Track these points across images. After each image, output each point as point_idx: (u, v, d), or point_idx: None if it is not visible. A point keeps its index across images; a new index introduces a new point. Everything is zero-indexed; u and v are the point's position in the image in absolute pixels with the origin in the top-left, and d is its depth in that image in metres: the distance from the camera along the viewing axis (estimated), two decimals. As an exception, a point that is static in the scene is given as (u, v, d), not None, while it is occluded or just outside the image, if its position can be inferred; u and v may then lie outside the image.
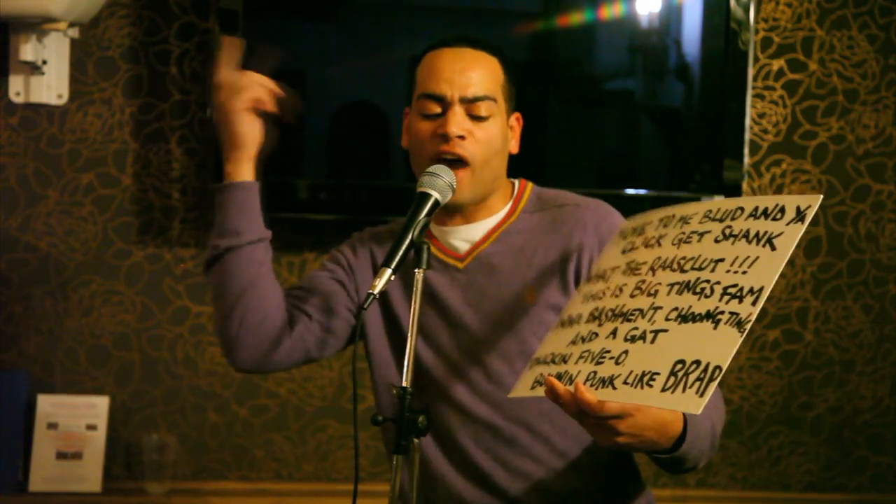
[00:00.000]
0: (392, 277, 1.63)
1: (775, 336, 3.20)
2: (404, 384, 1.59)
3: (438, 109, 1.83)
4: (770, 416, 3.22)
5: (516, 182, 1.97)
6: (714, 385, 1.37)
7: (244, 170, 1.87)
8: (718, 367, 1.38)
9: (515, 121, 1.93)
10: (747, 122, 3.00)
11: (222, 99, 1.85)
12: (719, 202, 1.60)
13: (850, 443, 3.24)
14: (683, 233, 1.61)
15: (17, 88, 2.97)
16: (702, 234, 1.58)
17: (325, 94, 3.00)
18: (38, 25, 2.81)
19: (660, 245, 1.64)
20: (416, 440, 1.58)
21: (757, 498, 3.20)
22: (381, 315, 1.95)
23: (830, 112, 3.16)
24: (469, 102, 1.82)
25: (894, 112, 3.17)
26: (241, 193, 1.87)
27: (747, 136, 3.01)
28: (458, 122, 1.81)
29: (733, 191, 3.00)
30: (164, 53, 3.01)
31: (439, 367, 1.88)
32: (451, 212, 1.89)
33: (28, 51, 2.86)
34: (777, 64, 3.14)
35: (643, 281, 1.60)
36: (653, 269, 1.60)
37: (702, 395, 1.37)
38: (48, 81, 2.96)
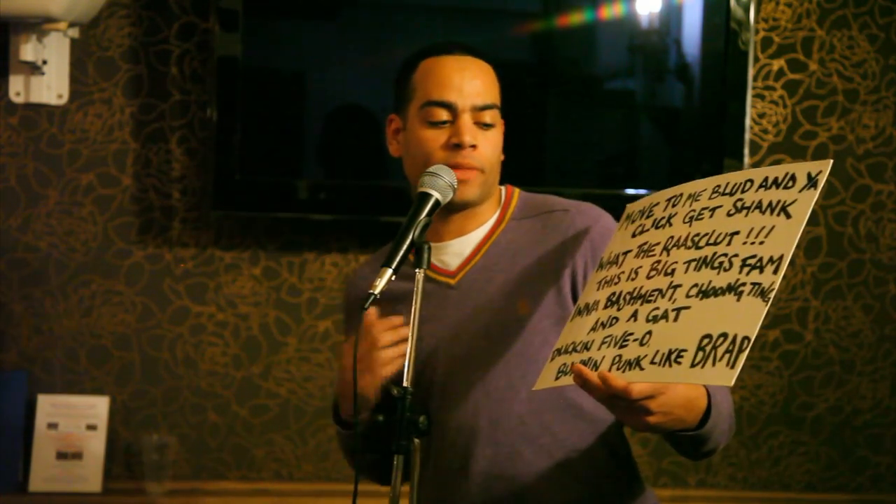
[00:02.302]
0: (393, 277, 1.63)
1: (775, 336, 3.20)
2: (405, 384, 1.59)
3: (446, 117, 1.82)
4: (770, 416, 3.22)
5: (503, 188, 1.96)
6: (744, 356, 1.37)
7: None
8: (747, 338, 1.38)
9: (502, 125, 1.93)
10: (747, 122, 3.00)
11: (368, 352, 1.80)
12: (727, 176, 1.59)
13: (850, 443, 3.24)
14: (694, 210, 1.60)
15: (17, 88, 2.97)
16: (713, 210, 1.57)
17: (325, 95, 3.00)
18: (38, 25, 2.81)
19: (670, 224, 1.62)
20: (416, 440, 1.58)
21: (757, 498, 3.20)
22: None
23: (830, 112, 3.16)
24: (478, 111, 1.82)
25: (894, 112, 3.18)
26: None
27: (747, 136, 3.01)
28: (470, 131, 1.81)
29: (733, 191, 3.00)
30: (164, 53, 3.01)
31: (437, 385, 1.87)
32: (449, 218, 1.88)
33: (28, 51, 2.86)
34: (777, 64, 3.14)
35: (658, 261, 1.59)
36: (667, 249, 1.60)
37: (733, 367, 1.37)
38: (48, 81, 2.96)
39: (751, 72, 3.01)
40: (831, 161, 1.47)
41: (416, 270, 1.66)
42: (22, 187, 3.02)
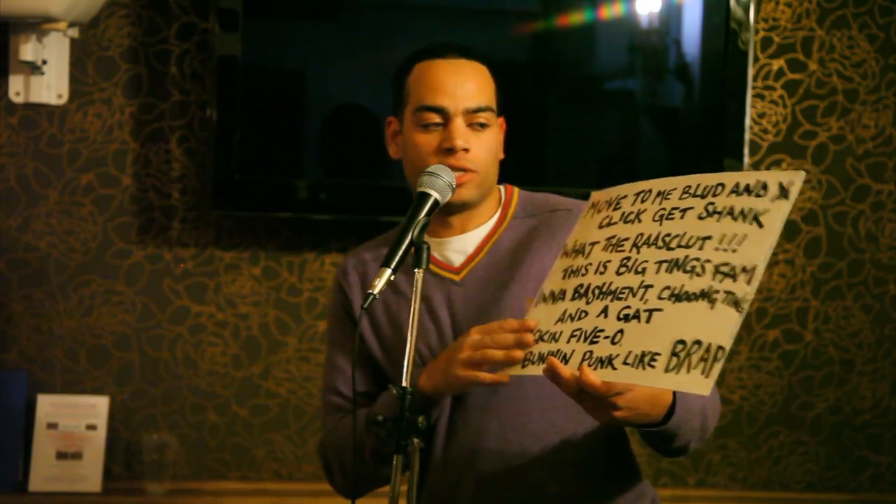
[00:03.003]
0: (392, 277, 1.63)
1: (775, 336, 3.20)
2: (404, 384, 1.59)
3: (439, 120, 1.83)
4: (770, 416, 3.22)
5: (502, 188, 1.97)
6: (719, 366, 1.39)
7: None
8: (721, 348, 1.39)
9: (500, 125, 1.93)
10: (747, 122, 3.00)
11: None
12: (698, 177, 1.59)
13: (850, 443, 3.24)
14: (664, 209, 1.60)
15: (17, 88, 2.97)
16: (684, 211, 1.57)
17: (324, 94, 3.00)
18: (38, 25, 2.81)
19: (640, 221, 1.63)
20: (416, 440, 1.59)
21: (757, 498, 3.20)
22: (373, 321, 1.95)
23: (830, 112, 3.16)
24: (470, 114, 1.83)
25: (894, 112, 3.18)
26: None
27: (747, 136, 3.01)
28: (462, 135, 1.82)
29: (733, 191, 3.00)
30: (164, 53, 3.01)
31: None
32: (448, 218, 1.89)
33: (28, 51, 2.86)
34: (777, 64, 3.14)
35: (628, 258, 1.60)
36: (636, 246, 1.60)
37: (708, 376, 1.38)
38: (48, 81, 2.97)
39: (750, 72, 3.01)
40: (803, 173, 1.48)
41: (416, 270, 1.67)
42: (22, 187, 3.02)
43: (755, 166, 3.13)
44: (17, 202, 3.01)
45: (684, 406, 1.64)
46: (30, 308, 3.03)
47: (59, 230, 3.03)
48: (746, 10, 2.98)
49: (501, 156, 1.92)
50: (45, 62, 2.93)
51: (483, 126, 1.84)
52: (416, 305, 1.64)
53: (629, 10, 3.00)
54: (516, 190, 1.97)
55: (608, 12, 2.99)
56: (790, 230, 3.16)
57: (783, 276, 3.17)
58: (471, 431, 1.85)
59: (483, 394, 1.85)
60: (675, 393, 1.62)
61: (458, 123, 1.82)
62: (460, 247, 1.90)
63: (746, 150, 3.01)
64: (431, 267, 1.89)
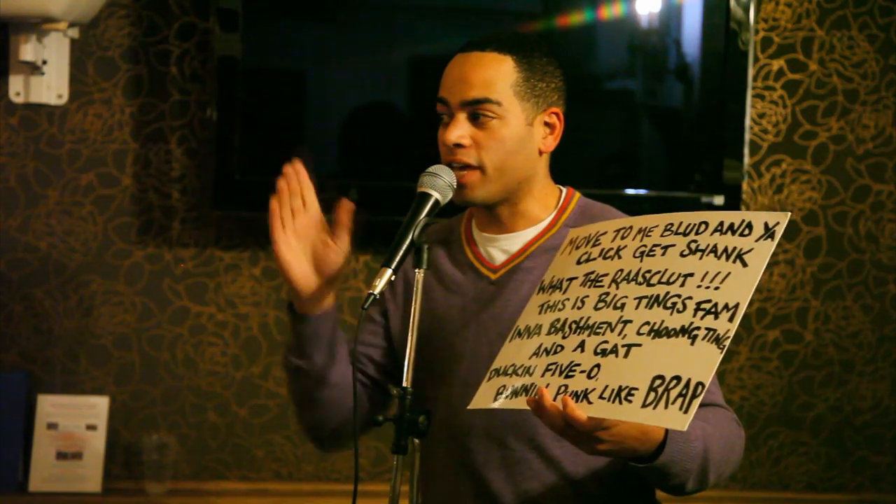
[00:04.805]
0: (392, 277, 1.63)
1: (775, 336, 3.20)
2: (404, 384, 1.59)
3: (447, 112, 1.82)
4: (770, 416, 3.22)
5: (563, 190, 1.92)
6: (698, 402, 1.37)
7: (304, 305, 1.81)
8: (701, 384, 1.38)
9: (551, 117, 1.88)
10: (747, 122, 3.00)
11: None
12: (680, 215, 1.58)
13: (850, 443, 3.24)
14: (645, 245, 1.59)
15: (17, 88, 2.97)
16: (665, 248, 1.56)
17: (324, 95, 3.00)
18: (38, 25, 2.82)
19: (620, 257, 1.61)
20: (416, 440, 1.58)
21: (757, 498, 3.20)
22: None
23: (830, 112, 3.16)
24: (469, 106, 1.79)
25: (894, 112, 3.18)
26: (303, 326, 1.81)
27: (747, 136, 3.01)
28: (457, 129, 1.78)
29: (733, 191, 3.01)
30: (164, 53, 3.01)
31: (456, 379, 1.84)
32: (493, 215, 1.86)
33: (28, 51, 2.86)
34: (777, 64, 3.14)
35: (607, 293, 1.58)
36: (616, 282, 1.58)
37: (686, 412, 1.37)
38: (48, 81, 2.97)
39: (750, 72, 3.01)
40: (789, 213, 1.47)
41: (416, 270, 1.66)
42: (22, 187, 3.02)
43: (755, 166, 3.13)
44: (17, 202, 3.01)
45: (679, 447, 1.58)
46: (30, 308, 3.03)
47: (59, 230, 3.03)
48: (746, 10, 2.98)
49: (544, 149, 1.87)
50: (45, 62, 2.93)
51: (484, 122, 1.79)
52: (416, 306, 1.63)
53: (629, 10, 2.99)
54: (577, 195, 1.92)
55: (608, 12, 2.99)
56: (790, 230, 3.16)
57: (783, 276, 3.17)
58: (475, 431, 1.82)
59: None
60: (667, 431, 1.56)
61: (459, 118, 1.79)
62: (507, 246, 1.86)
63: (746, 150, 3.01)
64: (474, 262, 1.88)
